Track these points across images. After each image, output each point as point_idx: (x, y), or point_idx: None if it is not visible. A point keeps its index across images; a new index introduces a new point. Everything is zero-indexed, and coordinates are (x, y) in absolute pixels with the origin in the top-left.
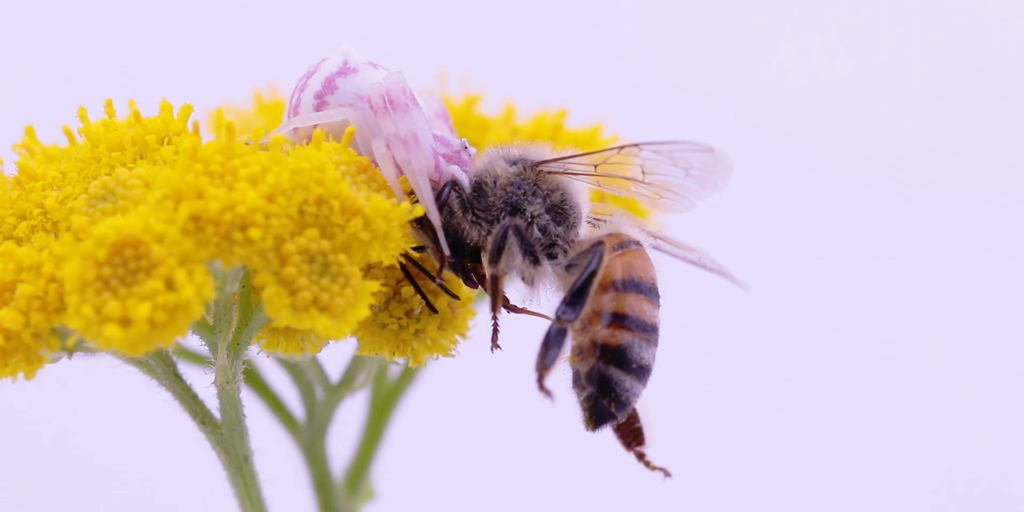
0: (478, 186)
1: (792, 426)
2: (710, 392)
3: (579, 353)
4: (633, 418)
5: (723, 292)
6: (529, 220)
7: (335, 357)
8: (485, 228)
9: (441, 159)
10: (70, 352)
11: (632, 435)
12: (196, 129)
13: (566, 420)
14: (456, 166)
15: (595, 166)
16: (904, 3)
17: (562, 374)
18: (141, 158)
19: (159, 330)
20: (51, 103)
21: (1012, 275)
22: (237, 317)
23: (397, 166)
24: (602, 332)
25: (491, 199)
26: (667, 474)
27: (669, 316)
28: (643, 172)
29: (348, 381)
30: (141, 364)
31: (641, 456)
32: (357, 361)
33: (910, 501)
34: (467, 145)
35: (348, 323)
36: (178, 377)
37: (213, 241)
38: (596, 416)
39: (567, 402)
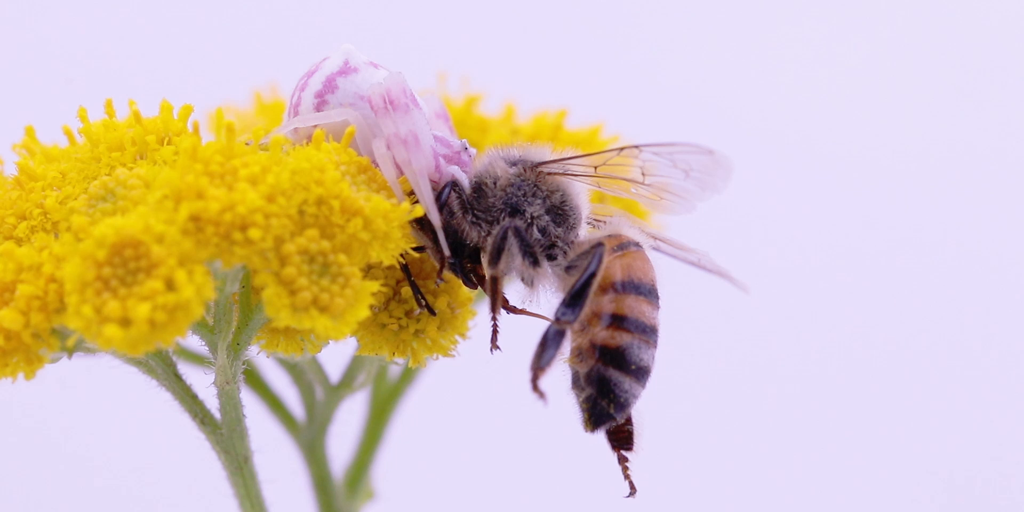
0: (478, 187)
1: (792, 426)
2: (710, 393)
3: (578, 354)
4: (627, 421)
5: (723, 293)
6: (529, 221)
7: (335, 357)
8: (485, 229)
9: (441, 160)
10: (70, 352)
11: (622, 437)
12: (196, 129)
13: (565, 421)
14: (456, 167)
15: (595, 167)
16: (903, 3)
17: (561, 375)
18: (141, 158)
19: (159, 330)
20: (51, 103)
21: (1011, 274)
22: (237, 317)
23: (397, 166)
24: (601, 333)
25: (491, 200)
26: (632, 491)
27: (668, 317)
28: (643, 173)
29: (348, 381)
30: (141, 364)
31: (623, 460)
32: (357, 361)
33: (910, 501)
34: (467, 146)
35: (348, 323)
36: (178, 377)
37: (213, 241)
38: (595, 417)
39: (566, 403)
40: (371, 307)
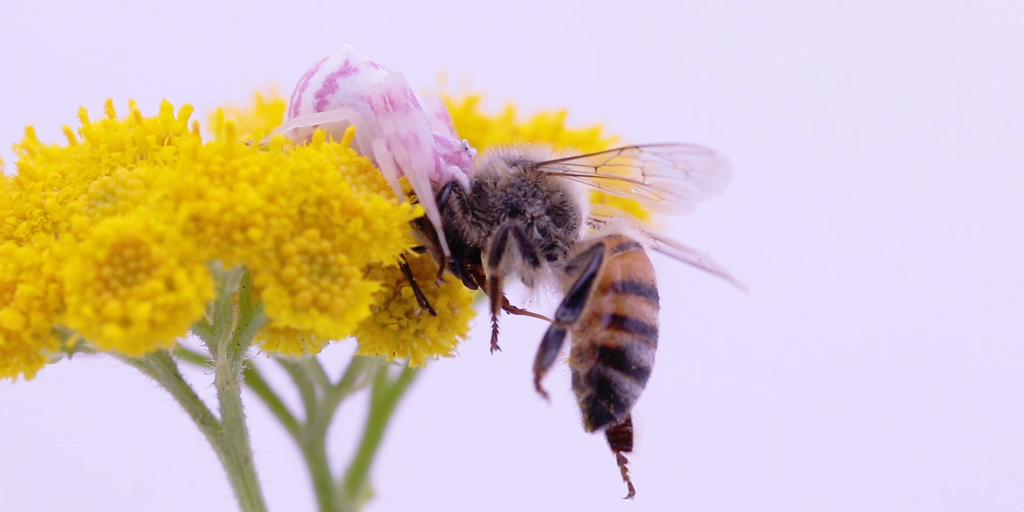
0: (478, 187)
1: (791, 426)
2: (710, 393)
3: (578, 354)
4: (627, 421)
5: (723, 294)
6: (529, 221)
7: (335, 357)
8: (485, 229)
9: (441, 160)
10: (70, 352)
11: (622, 438)
12: (196, 129)
13: (565, 421)
14: (456, 167)
15: (595, 167)
16: (903, 3)
17: (561, 375)
18: (141, 158)
19: (159, 330)
20: (51, 103)
21: (1011, 274)
22: (237, 317)
23: (397, 166)
24: (601, 334)
25: (491, 200)
26: (632, 492)
27: (668, 318)
28: (643, 174)
29: (348, 381)
30: (141, 364)
31: (622, 461)
32: (357, 361)
33: (910, 501)
34: (468, 146)
35: (348, 323)
36: (178, 377)
37: (213, 241)
38: (595, 417)
39: (566, 403)
40: (371, 307)
